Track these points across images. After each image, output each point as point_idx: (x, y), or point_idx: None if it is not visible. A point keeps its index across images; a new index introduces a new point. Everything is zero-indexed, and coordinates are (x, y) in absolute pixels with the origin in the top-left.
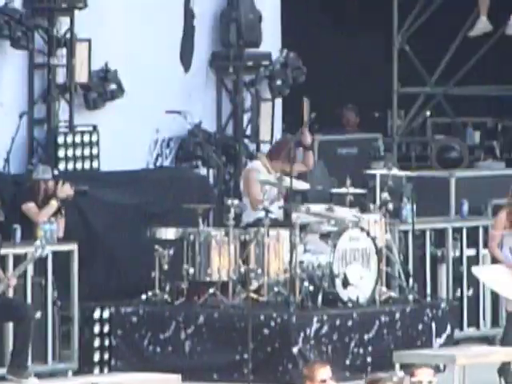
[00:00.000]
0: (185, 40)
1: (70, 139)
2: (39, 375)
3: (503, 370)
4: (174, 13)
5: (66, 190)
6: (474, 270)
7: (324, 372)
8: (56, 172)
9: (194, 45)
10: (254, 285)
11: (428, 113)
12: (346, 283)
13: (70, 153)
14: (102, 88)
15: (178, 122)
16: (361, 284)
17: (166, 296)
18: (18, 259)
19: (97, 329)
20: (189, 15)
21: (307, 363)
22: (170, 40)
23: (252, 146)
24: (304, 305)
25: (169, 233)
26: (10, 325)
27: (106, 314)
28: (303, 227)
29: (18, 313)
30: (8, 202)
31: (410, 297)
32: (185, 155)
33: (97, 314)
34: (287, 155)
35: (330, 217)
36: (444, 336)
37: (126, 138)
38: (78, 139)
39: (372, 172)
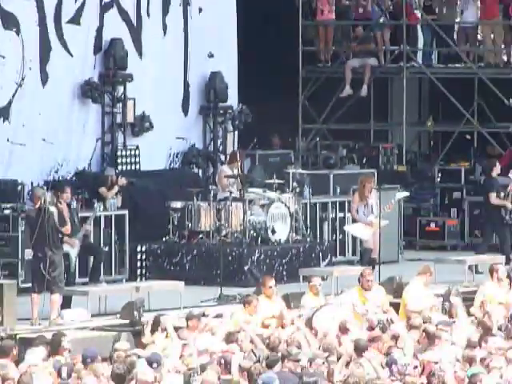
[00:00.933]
0: (184, 99)
1: (124, 153)
2: (107, 281)
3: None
4: (177, 83)
5: (122, 181)
6: (345, 227)
7: (271, 281)
8: (117, 171)
9: (189, 101)
10: (224, 232)
11: (318, 138)
12: (273, 231)
13: (124, 160)
14: (141, 125)
15: (182, 144)
16: (281, 232)
17: (175, 239)
18: (96, 219)
19: (138, 256)
20: (186, 85)
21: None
22: (176, 99)
23: (222, 157)
24: (250, 243)
25: (177, 204)
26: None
27: (143, 248)
28: (250, 201)
29: (95, 250)
30: (91, 188)
31: (308, 239)
32: (186, 162)
33: (138, 248)
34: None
35: (265, 195)
36: (326, 260)
37: (153, 152)
38: (128, 153)
39: (287, 171)
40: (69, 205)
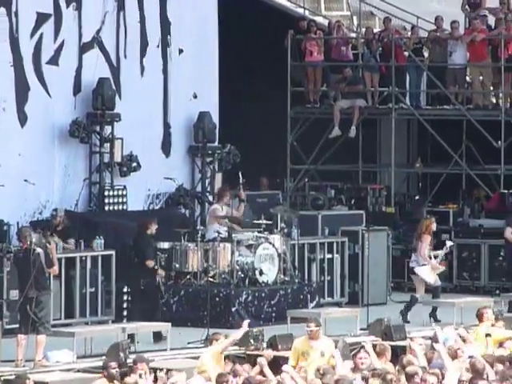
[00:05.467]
0: (164, 140)
1: (111, 193)
2: (93, 322)
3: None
4: (158, 126)
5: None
6: (416, 269)
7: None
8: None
9: (170, 142)
10: (211, 273)
11: (306, 179)
12: (261, 273)
13: (111, 200)
14: (129, 165)
15: (170, 184)
16: (269, 273)
17: (162, 279)
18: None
19: (125, 297)
20: (166, 126)
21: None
22: (159, 140)
23: (210, 197)
24: (238, 284)
25: (164, 244)
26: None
27: (130, 289)
28: (238, 242)
29: None
30: (78, 229)
31: (296, 280)
32: (174, 202)
33: (125, 289)
34: (223, 196)
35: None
36: (314, 302)
37: (140, 192)
38: (115, 193)
39: (275, 211)
40: None
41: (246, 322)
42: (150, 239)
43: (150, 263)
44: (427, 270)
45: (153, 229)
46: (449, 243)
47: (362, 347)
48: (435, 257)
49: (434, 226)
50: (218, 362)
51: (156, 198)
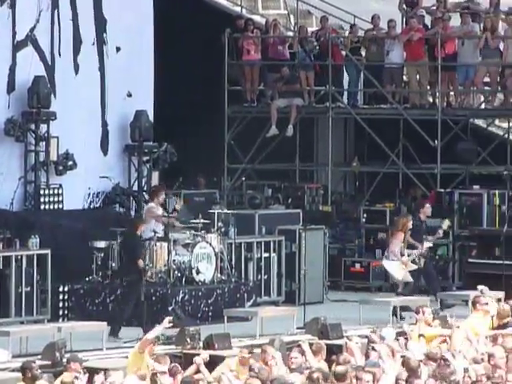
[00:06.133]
0: (102, 138)
1: (47, 192)
2: (28, 322)
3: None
4: (96, 125)
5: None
6: (383, 261)
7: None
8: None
9: (108, 140)
10: (149, 272)
11: (243, 178)
12: (198, 272)
13: (47, 199)
14: (65, 163)
15: (106, 183)
16: (206, 272)
17: (99, 278)
18: (17, 258)
19: (61, 296)
20: (104, 124)
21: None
22: (97, 138)
23: (147, 196)
24: (175, 283)
25: (100, 243)
26: None
27: (65, 289)
28: (175, 241)
29: None
30: (13, 228)
31: (233, 279)
32: (110, 201)
33: (60, 289)
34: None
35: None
36: (251, 301)
37: (76, 191)
38: (51, 192)
39: (212, 211)
40: None
41: (166, 320)
42: (139, 239)
43: (141, 263)
44: (395, 265)
45: (142, 229)
46: (426, 244)
47: (298, 346)
48: (408, 255)
49: (410, 224)
50: (136, 362)
51: (96, 196)
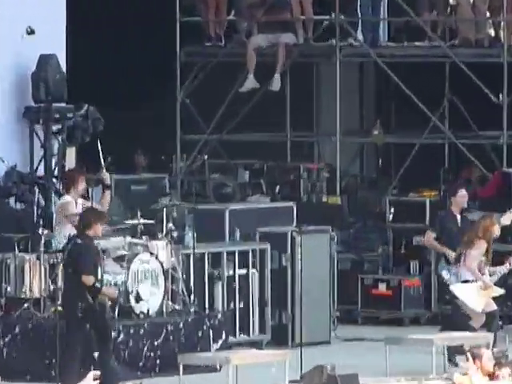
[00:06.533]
0: None
1: None
2: None
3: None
4: None
5: None
6: (452, 287)
7: None
8: None
9: None
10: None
11: (206, 156)
12: (138, 299)
13: None
14: None
15: None
16: (151, 299)
17: None
18: None
19: None
20: None
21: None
22: None
23: (59, 184)
24: None
25: None
26: None
27: None
28: (102, 252)
29: None
30: None
31: (192, 309)
32: (2, 193)
33: None
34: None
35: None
36: (220, 341)
37: None
38: None
39: (159, 205)
40: None
41: (90, 375)
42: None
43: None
44: (472, 289)
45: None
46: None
47: None
48: (490, 274)
49: (496, 230)
50: None
51: None
